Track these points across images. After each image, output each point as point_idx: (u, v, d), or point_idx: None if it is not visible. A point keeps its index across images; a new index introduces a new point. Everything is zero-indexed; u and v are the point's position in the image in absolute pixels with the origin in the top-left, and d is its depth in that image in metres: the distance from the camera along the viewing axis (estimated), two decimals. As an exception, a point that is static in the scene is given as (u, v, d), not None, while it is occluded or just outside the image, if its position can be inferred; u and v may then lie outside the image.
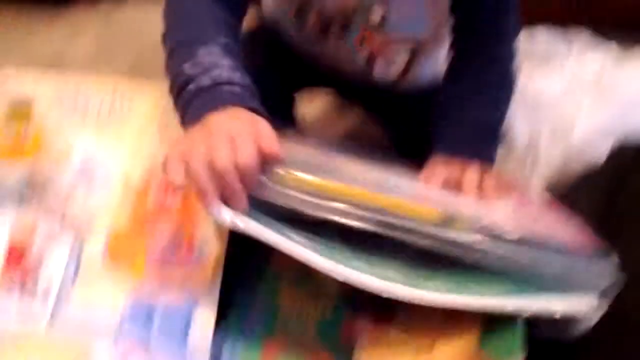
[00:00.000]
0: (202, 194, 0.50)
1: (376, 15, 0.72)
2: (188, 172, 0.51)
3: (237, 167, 0.50)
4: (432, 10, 0.73)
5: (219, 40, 0.60)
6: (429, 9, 0.73)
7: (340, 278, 0.51)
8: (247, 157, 0.50)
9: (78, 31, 1.47)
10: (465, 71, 0.71)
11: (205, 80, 0.56)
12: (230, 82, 0.57)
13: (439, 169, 0.65)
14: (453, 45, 0.74)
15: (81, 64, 1.36)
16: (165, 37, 0.63)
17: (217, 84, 0.56)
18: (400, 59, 0.78)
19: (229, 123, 0.53)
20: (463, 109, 0.68)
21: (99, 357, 0.55)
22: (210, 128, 0.53)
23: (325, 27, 0.75)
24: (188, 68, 0.58)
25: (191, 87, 0.57)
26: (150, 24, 1.42)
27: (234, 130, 0.52)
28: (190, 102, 0.56)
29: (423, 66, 0.80)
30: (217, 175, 0.50)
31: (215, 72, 0.57)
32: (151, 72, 1.19)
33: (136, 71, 1.31)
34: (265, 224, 0.51)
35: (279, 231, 0.51)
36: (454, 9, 0.72)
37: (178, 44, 0.61)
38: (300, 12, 0.76)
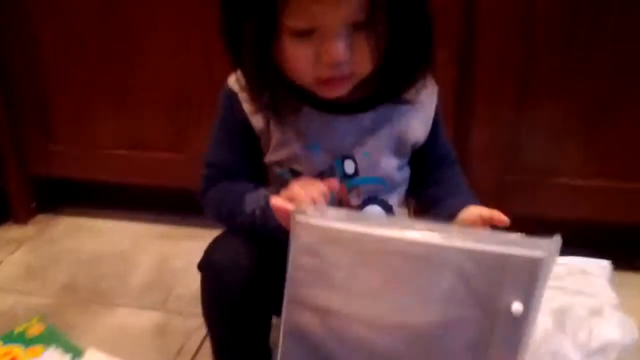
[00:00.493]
0: (299, 201, 0.71)
1: (350, 166, 0.83)
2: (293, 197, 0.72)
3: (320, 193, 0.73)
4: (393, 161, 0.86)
5: (250, 186, 0.83)
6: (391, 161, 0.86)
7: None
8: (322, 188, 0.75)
9: (9, 248, 1.47)
10: (440, 181, 0.89)
11: (262, 201, 0.79)
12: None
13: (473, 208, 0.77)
14: (419, 182, 0.89)
15: (11, 282, 1.34)
16: (216, 213, 0.86)
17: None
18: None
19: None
20: (455, 191, 0.86)
21: None
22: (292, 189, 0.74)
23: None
24: (247, 204, 0.80)
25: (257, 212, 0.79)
26: (83, 241, 1.48)
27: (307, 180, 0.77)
28: (264, 212, 0.77)
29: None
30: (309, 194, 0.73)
31: (264, 193, 0.80)
32: (84, 293, 1.19)
33: (69, 291, 1.30)
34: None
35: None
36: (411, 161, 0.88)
37: (231, 207, 0.82)
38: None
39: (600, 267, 0.97)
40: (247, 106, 0.82)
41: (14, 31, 1.42)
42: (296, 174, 0.83)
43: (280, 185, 0.81)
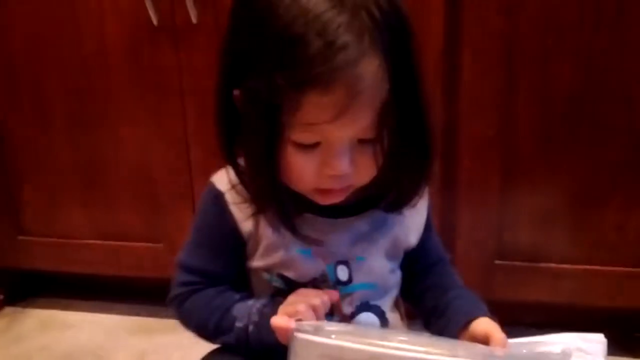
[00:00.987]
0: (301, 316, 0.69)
1: (343, 272, 0.79)
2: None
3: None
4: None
5: (236, 297, 0.78)
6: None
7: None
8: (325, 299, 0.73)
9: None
10: (438, 285, 0.86)
11: (255, 316, 0.75)
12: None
13: (491, 327, 0.74)
14: (412, 285, 0.87)
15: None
16: (202, 333, 0.80)
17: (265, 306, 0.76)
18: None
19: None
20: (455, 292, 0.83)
21: None
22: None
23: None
24: (238, 318, 0.76)
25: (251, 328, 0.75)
26: (54, 336, 1.41)
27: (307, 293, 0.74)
28: (258, 327, 0.74)
29: None
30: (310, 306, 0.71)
31: (256, 306, 0.76)
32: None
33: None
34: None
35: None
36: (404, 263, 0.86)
37: (216, 325, 0.78)
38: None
39: (596, 342, 0.95)
40: (235, 209, 0.78)
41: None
42: (286, 280, 0.79)
43: (267, 290, 0.77)
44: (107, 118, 1.33)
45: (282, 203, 0.73)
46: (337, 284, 0.79)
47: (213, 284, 0.80)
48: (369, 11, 0.63)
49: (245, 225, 0.78)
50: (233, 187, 0.77)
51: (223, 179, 0.78)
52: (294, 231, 0.75)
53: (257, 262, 0.80)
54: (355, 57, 0.62)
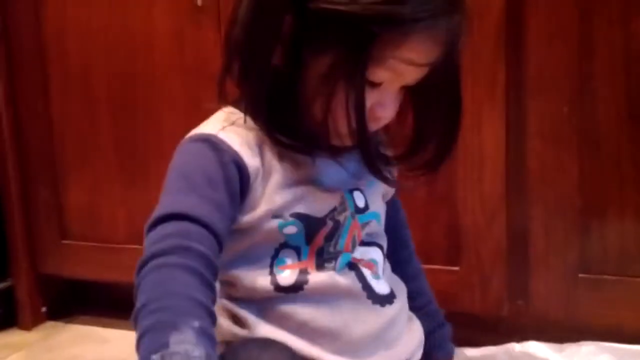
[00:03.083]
0: None
1: (360, 199, 0.73)
2: None
3: None
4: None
5: (193, 324, 0.56)
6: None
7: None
8: None
9: (2, 353, 1.32)
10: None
11: None
12: None
13: None
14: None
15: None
16: (137, 315, 0.58)
17: None
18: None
19: None
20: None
21: None
22: None
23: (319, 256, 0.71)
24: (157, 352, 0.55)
25: None
26: (86, 349, 1.31)
27: None
28: None
29: None
30: None
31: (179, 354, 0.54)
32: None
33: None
34: None
35: None
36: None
37: (149, 328, 0.57)
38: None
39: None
40: (235, 144, 0.67)
41: (35, 124, 1.37)
42: (302, 218, 0.68)
43: (273, 244, 0.69)
44: (151, 104, 1.28)
45: (331, 135, 0.68)
46: (357, 211, 0.72)
47: (203, 238, 0.62)
48: None
49: (250, 159, 0.67)
50: (227, 126, 0.68)
51: (204, 129, 0.69)
52: (368, 154, 0.68)
53: (265, 206, 0.68)
54: (460, 5, 0.64)
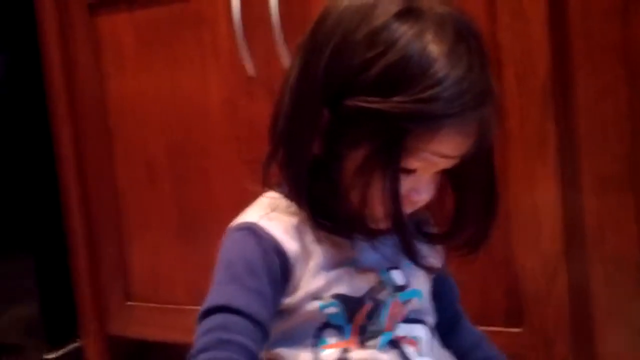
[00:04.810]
0: None
1: (399, 277, 0.74)
2: None
3: None
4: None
5: None
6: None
7: None
8: None
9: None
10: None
11: None
12: None
13: None
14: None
15: None
16: None
17: None
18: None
19: None
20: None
21: None
22: None
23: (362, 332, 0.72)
24: None
25: None
26: None
27: None
28: None
29: None
30: None
31: None
32: None
33: None
34: None
35: None
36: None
37: None
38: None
39: None
40: (276, 232, 0.70)
41: (101, 190, 1.44)
42: (342, 299, 0.70)
43: (315, 324, 0.69)
44: (206, 172, 1.32)
45: (369, 221, 0.70)
46: (396, 290, 0.73)
47: (243, 329, 0.65)
48: (484, 55, 0.66)
49: (290, 245, 0.70)
50: (268, 213, 0.71)
51: (246, 217, 0.72)
52: (406, 240, 0.70)
53: (305, 288, 0.70)
54: (490, 97, 0.66)
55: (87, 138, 1.43)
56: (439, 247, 0.79)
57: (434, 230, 0.79)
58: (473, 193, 0.72)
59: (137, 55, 1.35)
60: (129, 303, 1.45)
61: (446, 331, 0.81)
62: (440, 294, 0.81)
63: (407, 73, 0.62)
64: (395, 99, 0.62)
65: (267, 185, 0.75)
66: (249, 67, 1.21)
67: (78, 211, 1.45)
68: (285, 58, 1.16)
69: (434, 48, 0.63)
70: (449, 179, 0.73)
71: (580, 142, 1.01)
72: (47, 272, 1.47)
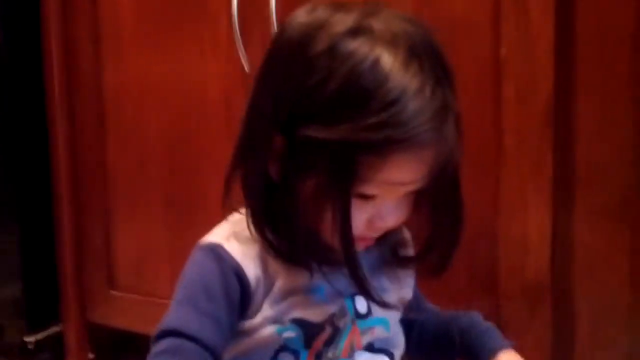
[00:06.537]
0: None
1: (362, 305, 0.72)
2: None
3: None
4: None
5: None
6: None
7: None
8: None
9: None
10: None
11: None
12: None
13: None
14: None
15: None
16: None
17: None
18: None
19: None
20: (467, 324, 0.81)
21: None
22: None
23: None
24: None
25: None
26: None
27: None
28: None
29: None
30: None
31: None
32: None
33: None
34: None
35: None
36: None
37: None
38: None
39: None
40: (238, 255, 0.69)
41: (91, 173, 1.42)
42: (301, 324, 0.69)
43: (271, 348, 0.68)
44: (199, 165, 1.29)
45: (326, 249, 0.68)
46: (357, 317, 0.71)
47: (194, 355, 0.65)
48: (442, 73, 0.63)
49: (251, 270, 0.69)
50: (234, 234, 0.70)
51: (214, 237, 0.71)
52: (355, 272, 0.67)
53: (266, 312, 0.69)
54: (445, 119, 0.62)
55: (81, 122, 1.41)
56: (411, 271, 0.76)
57: (409, 252, 0.76)
58: (441, 215, 0.70)
59: (137, 43, 1.33)
60: (112, 292, 1.43)
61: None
62: (415, 311, 0.81)
63: (352, 99, 0.60)
64: (341, 126, 0.60)
65: (229, 208, 0.73)
66: (246, 63, 1.18)
67: (67, 194, 1.43)
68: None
69: (380, 69, 0.60)
70: (423, 198, 0.70)
71: (578, 171, 0.97)
72: (32, 253, 1.46)
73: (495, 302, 1.02)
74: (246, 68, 1.18)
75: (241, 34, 1.17)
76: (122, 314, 1.43)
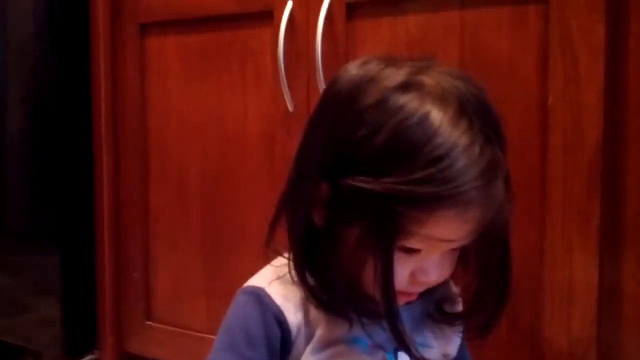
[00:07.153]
0: None
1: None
2: None
3: None
4: None
5: None
6: None
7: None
8: None
9: None
10: None
11: None
12: None
13: None
14: None
15: None
16: None
17: None
18: None
19: None
20: None
21: None
22: None
23: None
24: None
25: None
26: None
27: None
28: None
29: None
30: None
31: None
32: None
33: None
34: None
35: None
36: None
37: None
38: None
39: None
40: (280, 300, 0.69)
41: (132, 209, 1.44)
42: None
43: None
44: (239, 203, 1.30)
45: (366, 300, 0.67)
46: None
47: None
48: (492, 132, 0.62)
49: (292, 315, 0.68)
50: (277, 278, 0.70)
51: (256, 281, 0.71)
52: (395, 326, 0.65)
53: (306, 358, 0.68)
54: (494, 177, 0.61)
55: (125, 156, 1.43)
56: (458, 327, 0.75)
57: (457, 309, 0.75)
58: (488, 273, 0.68)
59: (182, 78, 1.34)
60: (148, 323, 1.44)
61: None
62: None
63: (400, 152, 0.60)
64: (387, 179, 0.59)
65: (272, 250, 0.72)
66: (289, 102, 1.19)
67: (108, 226, 1.45)
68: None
69: (429, 124, 0.59)
70: (471, 255, 0.69)
71: (626, 225, 0.94)
72: (72, 284, 1.47)
73: (538, 354, 0.99)
74: (290, 107, 1.19)
75: (285, 74, 1.17)
76: (157, 345, 1.44)
